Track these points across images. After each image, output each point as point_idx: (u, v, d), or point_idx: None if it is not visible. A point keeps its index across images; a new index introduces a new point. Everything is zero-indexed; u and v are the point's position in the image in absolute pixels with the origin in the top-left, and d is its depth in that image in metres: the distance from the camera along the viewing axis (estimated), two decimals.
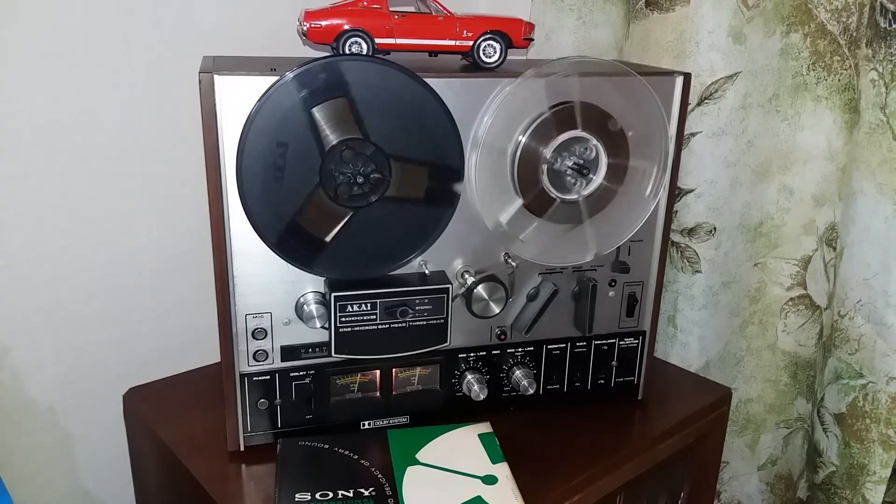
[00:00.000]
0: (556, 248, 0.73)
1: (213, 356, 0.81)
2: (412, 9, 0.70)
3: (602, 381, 0.83)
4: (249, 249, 0.66)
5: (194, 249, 0.91)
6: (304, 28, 0.65)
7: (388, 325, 0.69)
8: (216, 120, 0.62)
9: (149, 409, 0.81)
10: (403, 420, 0.76)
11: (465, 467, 0.68)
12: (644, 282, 0.80)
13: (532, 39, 0.72)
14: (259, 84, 0.61)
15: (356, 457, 0.69)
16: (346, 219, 0.66)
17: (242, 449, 0.72)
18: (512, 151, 0.69)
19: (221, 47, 0.84)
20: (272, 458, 0.69)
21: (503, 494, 0.65)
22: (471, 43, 0.69)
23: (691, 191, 0.96)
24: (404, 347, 0.71)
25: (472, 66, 0.71)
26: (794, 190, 0.96)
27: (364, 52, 0.65)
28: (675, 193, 0.83)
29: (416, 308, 0.69)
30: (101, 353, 0.89)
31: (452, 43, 0.69)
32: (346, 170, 0.64)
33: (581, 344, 0.81)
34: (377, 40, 0.66)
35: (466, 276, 0.73)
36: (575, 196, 0.72)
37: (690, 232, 0.98)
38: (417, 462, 0.68)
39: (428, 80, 0.65)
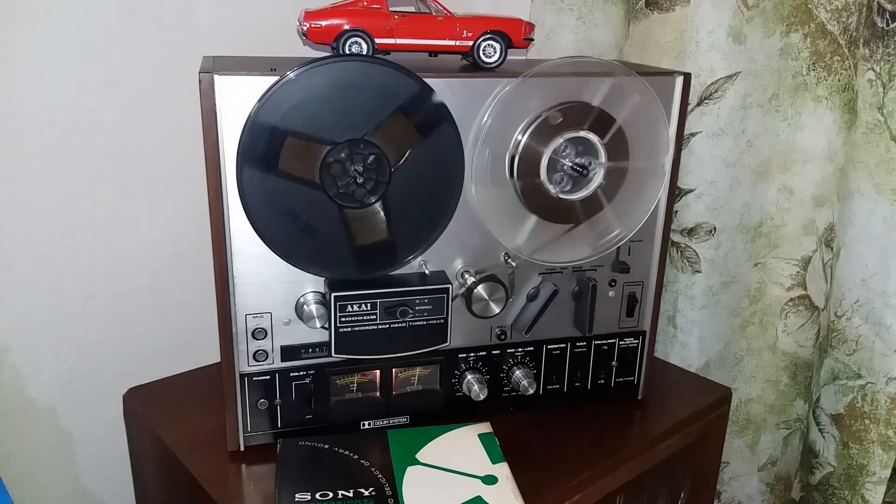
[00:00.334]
0: (557, 247, 0.74)
1: (213, 356, 0.81)
2: (412, 9, 0.70)
3: (602, 381, 0.83)
4: (249, 249, 0.66)
5: (194, 249, 0.91)
6: (304, 28, 0.65)
7: (388, 325, 0.69)
8: (216, 120, 0.62)
9: (149, 409, 0.81)
10: (403, 420, 0.76)
11: (465, 467, 0.68)
12: (644, 282, 0.80)
13: (532, 39, 0.72)
14: (259, 84, 0.61)
15: (356, 457, 0.69)
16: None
17: (242, 449, 0.72)
18: (511, 151, 0.69)
19: (221, 47, 0.84)
20: (272, 458, 0.69)
21: (503, 494, 0.65)
22: (471, 43, 0.69)
23: (691, 191, 0.96)
24: (404, 347, 0.71)
25: (472, 66, 0.71)
26: (794, 190, 0.96)
27: (364, 52, 0.65)
28: (675, 193, 0.83)
29: (416, 308, 0.69)
30: (101, 353, 0.89)
31: (452, 43, 0.69)
32: (348, 169, 0.64)
33: (581, 344, 0.81)
34: (377, 40, 0.66)
35: (466, 276, 0.73)
36: (575, 196, 0.72)
37: (690, 232, 0.98)
38: (417, 462, 0.68)
39: (428, 80, 0.65)
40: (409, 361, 0.74)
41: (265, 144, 0.62)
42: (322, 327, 0.69)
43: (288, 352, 0.71)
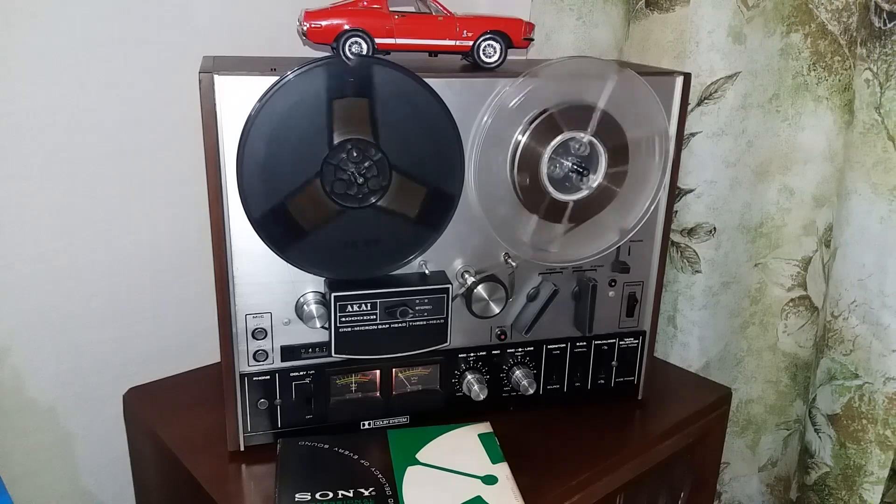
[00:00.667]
0: (557, 247, 0.74)
1: (213, 356, 0.81)
2: (412, 9, 0.70)
3: (602, 381, 0.83)
4: (249, 249, 0.66)
5: (194, 249, 0.91)
6: (304, 28, 0.65)
7: (388, 325, 0.69)
8: (216, 120, 0.62)
9: (149, 409, 0.81)
10: (403, 420, 0.76)
11: (465, 467, 0.68)
12: (644, 282, 0.80)
13: (532, 39, 0.72)
14: (259, 84, 0.61)
15: (356, 457, 0.69)
16: (339, 217, 0.66)
17: (242, 449, 0.72)
18: (511, 151, 0.69)
19: (221, 47, 0.84)
20: (272, 458, 0.69)
21: (503, 494, 0.65)
22: (471, 43, 0.69)
23: (691, 191, 0.96)
24: (404, 347, 0.71)
25: (472, 66, 0.71)
26: (794, 190, 0.96)
27: (364, 53, 0.65)
28: (675, 193, 0.83)
29: (416, 308, 0.69)
30: (101, 353, 0.89)
31: (452, 43, 0.69)
32: (349, 168, 0.64)
33: (581, 344, 0.81)
34: (377, 40, 0.66)
35: (466, 276, 0.73)
36: (575, 196, 0.72)
37: (690, 232, 0.98)
38: (417, 462, 0.68)
39: (428, 80, 0.65)
40: (409, 361, 0.74)
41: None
42: (322, 327, 0.69)
43: (288, 352, 0.71)
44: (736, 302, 1.02)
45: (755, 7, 0.88)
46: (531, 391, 0.77)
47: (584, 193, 0.72)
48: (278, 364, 0.71)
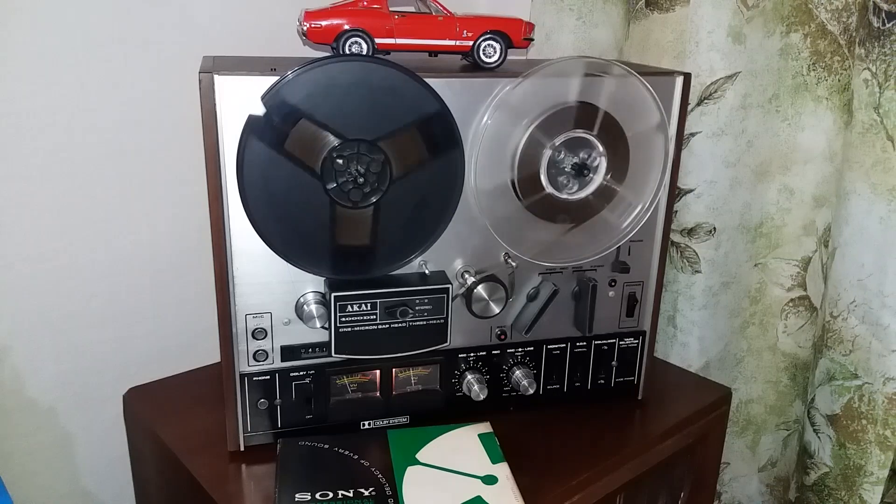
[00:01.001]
0: (557, 247, 0.74)
1: (213, 356, 0.81)
2: (412, 9, 0.70)
3: (602, 381, 0.83)
4: (249, 249, 0.66)
5: (194, 249, 0.91)
6: (304, 28, 0.65)
7: (388, 325, 0.69)
8: (216, 120, 0.62)
9: (149, 409, 0.81)
10: (403, 420, 0.76)
11: (465, 467, 0.68)
12: (644, 282, 0.80)
13: (532, 39, 0.72)
14: (259, 84, 0.61)
15: (356, 457, 0.69)
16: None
17: (242, 449, 0.72)
18: (511, 151, 0.69)
19: (221, 47, 0.84)
20: (272, 458, 0.69)
21: (503, 494, 0.65)
22: (471, 43, 0.69)
23: (691, 191, 0.96)
24: (404, 347, 0.71)
25: (472, 66, 0.71)
26: (794, 190, 0.96)
27: (364, 52, 0.65)
28: (675, 193, 0.83)
29: (416, 308, 0.69)
30: (101, 353, 0.89)
31: (452, 43, 0.69)
32: (349, 168, 0.64)
33: (581, 344, 0.81)
34: (377, 40, 0.66)
35: (466, 276, 0.73)
36: (575, 196, 0.72)
37: (690, 232, 0.98)
38: (417, 462, 0.68)
39: (428, 80, 0.65)
40: (409, 361, 0.74)
41: (279, 120, 0.62)
42: (322, 327, 0.69)
43: (288, 352, 0.71)
44: (736, 302, 1.02)
45: (755, 7, 0.88)
46: (531, 391, 0.77)
47: (583, 193, 0.72)
48: (278, 364, 0.71)
